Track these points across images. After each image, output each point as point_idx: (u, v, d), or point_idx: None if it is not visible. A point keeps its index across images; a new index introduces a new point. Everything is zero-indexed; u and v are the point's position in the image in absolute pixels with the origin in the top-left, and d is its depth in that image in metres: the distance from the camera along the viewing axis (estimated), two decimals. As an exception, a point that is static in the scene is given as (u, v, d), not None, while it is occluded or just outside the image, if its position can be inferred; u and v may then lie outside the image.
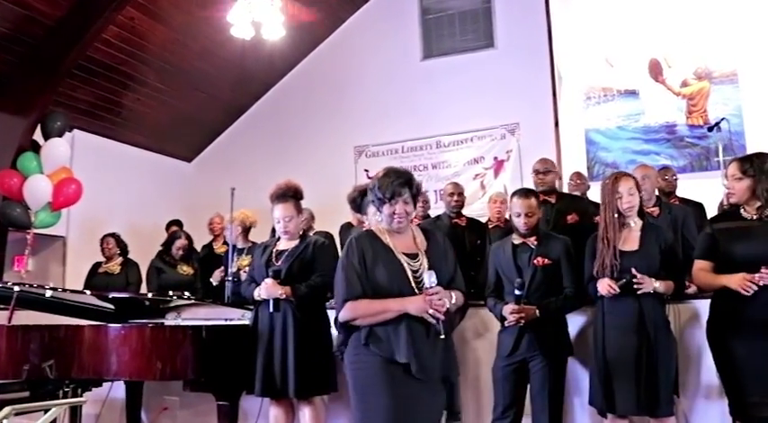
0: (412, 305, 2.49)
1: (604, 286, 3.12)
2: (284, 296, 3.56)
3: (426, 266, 2.57)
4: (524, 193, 3.57)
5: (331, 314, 3.75)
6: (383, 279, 2.55)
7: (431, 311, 2.46)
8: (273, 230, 4.10)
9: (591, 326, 3.45)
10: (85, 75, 6.97)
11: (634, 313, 3.10)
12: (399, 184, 2.60)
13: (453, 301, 2.56)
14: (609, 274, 3.14)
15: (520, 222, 3.51)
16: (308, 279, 3.63)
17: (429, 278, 2.49)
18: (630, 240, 3.22)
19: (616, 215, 3.21)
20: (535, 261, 3.45)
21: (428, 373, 2.50)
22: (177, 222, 6.93)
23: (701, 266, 2.99)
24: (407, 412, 2.46)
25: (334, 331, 3.71)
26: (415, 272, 2.56)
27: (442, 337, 2.50)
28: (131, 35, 6.93)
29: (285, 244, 3.76)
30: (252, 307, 3.82)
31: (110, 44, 6.84)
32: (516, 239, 3.57)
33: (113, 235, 6.12)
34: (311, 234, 4.78)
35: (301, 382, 3.51)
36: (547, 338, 3.39)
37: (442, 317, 2.48)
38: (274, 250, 3.75)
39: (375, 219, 3.25)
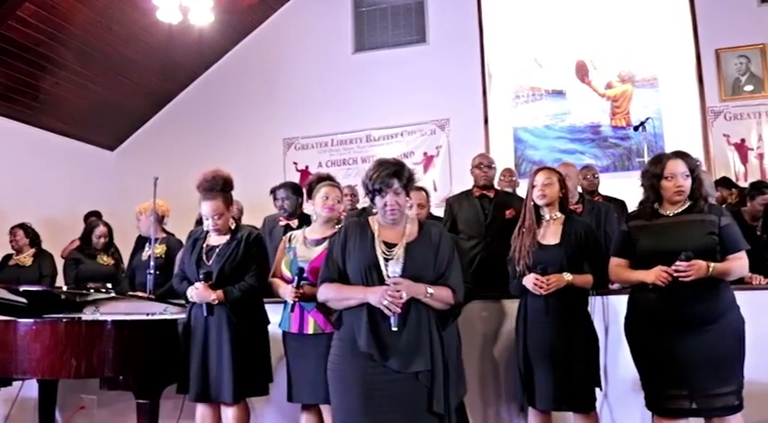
0: (373, 295, 2.46)
1: (531, 282, 3.14)
2: (216, 301, 3.36)
3: (400, 258, 2.52)
4: (416, 187, 3.47)
5: (269, 308, 3.61)
6: (353, 265, 2.56)
7: (385, 303, 2.41)
8: (199, 220, 3.94)
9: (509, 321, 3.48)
10: (-1, 55, 6.59)
11: (550, 308, 3.13)
12: (388, 175, 2.55)
13: (426, 297, 2.51)
14: (527, 268, 3.17)
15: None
16: (241, 278, 3.41)
17: (392, 268, 2.46)
18: (552, 234, 3.26)
19: (531, 204, 3.29)
20: None
21: (392, 361, 2.45)
22: (96, 214, 6.62)
23: (616, 263, 3.05)
24: (368, 401, 2.44)
25: (271, 328, 3.56)
26: (387, 261, 2.52)
27: (394, 329, 2.44)
28: (50, 15, 6.56)
29: (215, 239, 3.52)
30: (176, 301, 3.67)
31: (26, 23, 6.46)
32: None
33: (22, 226, 5.80)
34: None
35: (238, 387, 3.35)
36: None
37: (398, 310, 2.43)
38: (204, 246, 3.53)
39: (318, 208, 3.28)
